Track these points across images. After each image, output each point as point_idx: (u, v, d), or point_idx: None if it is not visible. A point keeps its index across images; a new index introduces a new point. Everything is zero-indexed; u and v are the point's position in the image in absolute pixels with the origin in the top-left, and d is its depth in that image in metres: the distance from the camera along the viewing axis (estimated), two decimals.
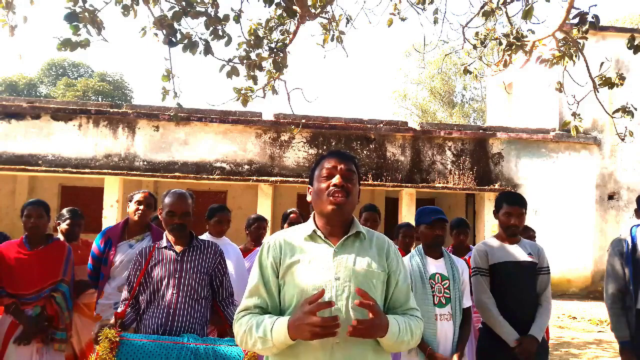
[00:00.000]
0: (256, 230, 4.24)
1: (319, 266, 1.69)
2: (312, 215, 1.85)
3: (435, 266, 2.95)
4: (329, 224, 1.78)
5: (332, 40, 5.54)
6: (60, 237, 4.10)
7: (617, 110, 4.74)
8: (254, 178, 10.80)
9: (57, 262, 3.46)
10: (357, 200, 1.83)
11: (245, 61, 4.74)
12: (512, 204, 3.05)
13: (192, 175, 10.65)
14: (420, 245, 3.06)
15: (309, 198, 1.86)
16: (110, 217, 10.07)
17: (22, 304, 3.28)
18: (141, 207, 3.57)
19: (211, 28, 4.11)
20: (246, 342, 1.68)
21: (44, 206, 3.49)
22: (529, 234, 4.49)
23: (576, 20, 4.27)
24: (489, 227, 11.15)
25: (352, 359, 1.63)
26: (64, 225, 4.09)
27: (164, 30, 3.76)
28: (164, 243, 2.73)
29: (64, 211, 4.14)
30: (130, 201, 3.62)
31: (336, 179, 1.74)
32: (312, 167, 1.91)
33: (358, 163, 1.89)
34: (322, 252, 1.72)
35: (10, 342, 3.23)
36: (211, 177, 10.71)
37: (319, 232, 1.76)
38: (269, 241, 1.81)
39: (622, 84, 4.75)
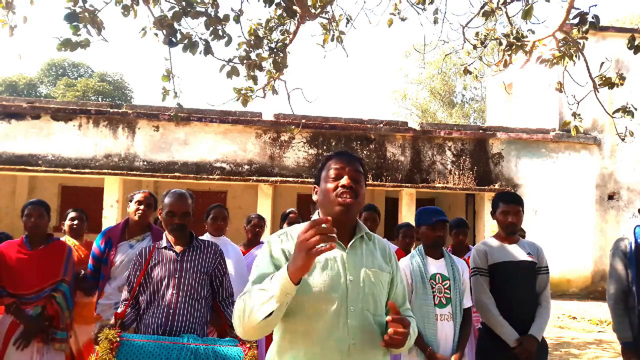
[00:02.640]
0: (253, 228, 4.26)
1: (332, 267, 1.69)
2: (317, 215, 1.84)
3: (435, 266, 2.95)
4: (336, 225, 1.77)
5: (332, 40, 5.53)
6: (66, 236, 4.14)
7: (617, 110, 4.73)
8: (254, 178, 10.79)
9: (58, 262, 3.46)
10: (364, 202, 1.84)
11: (245, 61, 4.74)
12: (508, 202, 3.08)
13: (192, 175, 10.65)
14: (421, 245, 3.06)
15: (314, 197, 1.85)
16: (110, 217, 10.06)
17: (22, 303, 3.28)
18: (141, 207, 3.57)
19: (211, 28, 4.11)
20: (242, 310, 1.55)
21: (45, 206, 3.50)
22: (520, 233, 4.47)
23: (576, 20, 4.27)
24: (489, 227, 11.14)
25: None
26: (68, 222, 4.16)
27: (164, 30, 3.76)
28: (164, 243, 2.73)
29: (69, 210, 4.31)
30: (131, 201, 3.62)
31: (344, 180, 1.73)
32: (318, 167, 1.91)
33: (364, 164, 1.89)
34: (334, 253, 1.71)
35: (10, 342, 3.23)
36: (211, 177, 10.71)
37: None
38: (281, 233, 1.78)
39: (622, 84, 4.75)
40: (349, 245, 1.74)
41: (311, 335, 1.62)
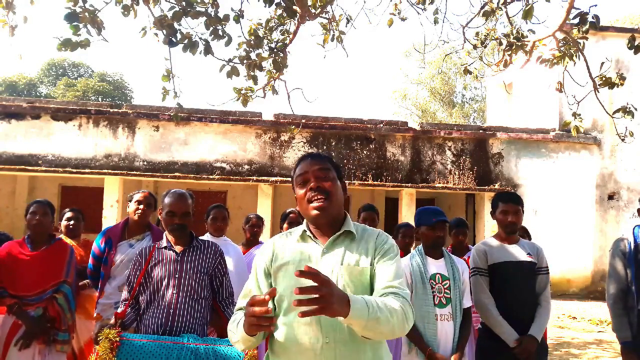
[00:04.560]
0: (251, 228, 4.27)
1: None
2: (305, 223, 1.87)
3: (435, 266, 2.95)
4: (318, 226, 1.80)
5: (332, 40, 5.53)
6: (62, 236, 4.14)
7: (617, 111, 4.73)
8: (254, 178, 10.79)
9: (59, 263, 3.45)
10: (344, 195, 1.83)
11: (245, 61, 4.74)
12: (507, 202, 3.09)
13: (192, 175, 10.64)
14: (421, 246, 3.06)
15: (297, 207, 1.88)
16: (110, 217, 10.06)
17: (24, 305, 3.27)
18: (141, 206, 3.57)
19: (211, 28, 4.11)
20: (229, 336, 1.75)
21: (50, 206, 3.50)
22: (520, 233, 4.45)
23: (576, 20, 4.26)
24: (489, 227, 11.14)
25: (343, 359, 1.62)
26: (64, 222, 4.17)
27: (164, 30, 3.76)
28: (164, 243, 2.73)
29: (65, 210, 4.32)
30: (130, 201, 3.63)
31: (311, 183, 1.76)
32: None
33: (332, 159, 1.89)
34: (311, 252, 1.74)
35: (12, 343, 3.22)
36: (211, 177, 10.71)
37: (308, 233, 1.79)
38: (263, 245, 1.86)
39: (622, 84, 4.75)
40: (326, 243, 1.75)
41: (288, 333, 1.64)
